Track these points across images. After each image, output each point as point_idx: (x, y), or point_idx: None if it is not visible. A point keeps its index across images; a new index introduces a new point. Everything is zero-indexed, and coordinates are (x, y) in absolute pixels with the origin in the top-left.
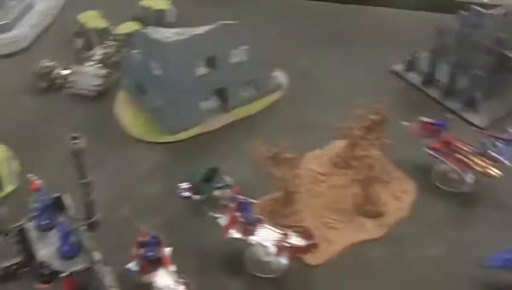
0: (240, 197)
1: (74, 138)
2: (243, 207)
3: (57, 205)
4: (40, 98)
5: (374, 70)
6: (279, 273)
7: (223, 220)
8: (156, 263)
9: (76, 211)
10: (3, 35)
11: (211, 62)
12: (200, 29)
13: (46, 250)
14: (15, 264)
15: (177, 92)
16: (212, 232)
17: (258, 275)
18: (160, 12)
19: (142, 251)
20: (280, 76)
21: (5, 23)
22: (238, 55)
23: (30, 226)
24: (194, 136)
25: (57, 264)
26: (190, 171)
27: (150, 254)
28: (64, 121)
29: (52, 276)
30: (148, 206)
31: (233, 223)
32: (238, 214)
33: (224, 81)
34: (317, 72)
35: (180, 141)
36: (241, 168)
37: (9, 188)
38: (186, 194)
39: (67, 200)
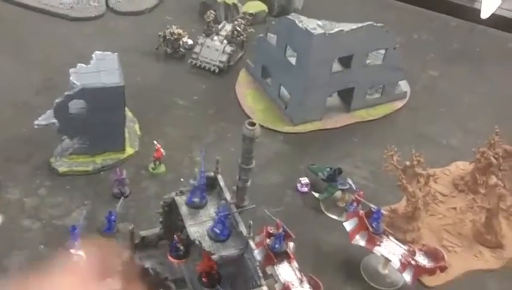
0: (372, 205)
1: (251, 124)
2: (373, 215)
3: (210, 184)
4: (163, 63)
5: (499, 95)
6: (395, 288)
7: (348, 224)
8: (281, 255)
9: (229, 195)
10: None
11: (347, 60)
12: (346, 26)
13: (196, 228)
14: (153, 234)
15: (309, 84)
16: (329, 232)
17: (374, 285)
18: None
19: (269, 241)
20: (405, 85)
21: None
22: (374, 57)
23: (181, 200)
24: (313, 131)
25: (207, 244)
26: (309, 166)
27: (276, 246)
28: (185, 90)
29: (186, 253)
30: (267, 194)
31: (360, 229)
32: (366, 221)
33: (354, 82)
34: (444, 88)
35: (299, 133)
36: (358, 173)
37: (130, 150)
38: (305, 189)
39: (221, 181)
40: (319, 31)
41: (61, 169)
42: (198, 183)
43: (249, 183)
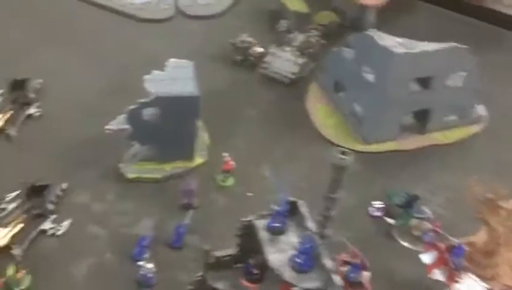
0: (453, 238)
1: (342, 153)
2: (454, 250)
3: (291, 210)
4: (232, 71)
5: None
6: None
7: (426, 257)
8: (355, 285)
9: (313, 224)
10: None
11: (426, 81)
12: (428, 46)
13: (277, 255)
14: (228, 255)
15: (385, 103)
16: (402, 261)
17: None
18: (362, 10)
19: (345, 270)
20: (481, 108)
21: None
22: (455, 79)
23: (261, 224)
24: (387, 152)
25: (288, 274)
26: (383, 190)
27: (352, 275)
28: (255, 101)
29: (261, 277)
30: (339, 217)
31: (439, 263)
32: (447, 256)
33: (432, 103)
34: None
35: (372, 152)
36: (433, 199)
37: (198, 160)
38: (378, 213)
39: (303, 207)
40: (400, 50)
41: (130, 175)
42: (281, 209)
43: (333, 212)
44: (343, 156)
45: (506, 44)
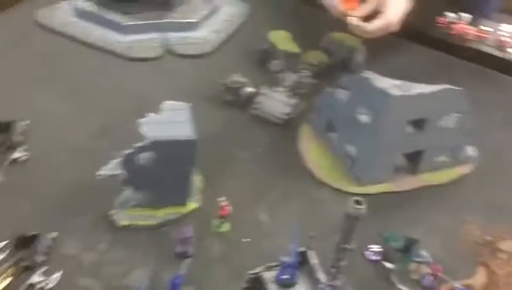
0: (455, 282)
1: (357, 203)
2: None
3: (301, 260)
4: (224, 111)
5: None
6: None
7: None
8: None
9: (323, 275)
10: (188, 34)
11: (420, 123)
12: (423, 88)
13: None
14: None
15: (379, 144)
16: None
17: None
18: (351, 50)
19: None
20: (471, 148)
21: (191, 22)
22: (448, 120)
23: (270, 276)
24: (380, 193)
25: None
26: (379, 232)
27: None
28: (247, 142)
29: None
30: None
31: None
32: None
33: (425, 144)
34: (511, 151)
35: (365, 194)
36: (429, 242)
37: (192, 205)
38: (375, 257)
39: (313, 257)
40: (396, 92)
41: (122, 222)
42: (291, 261)
43: (345, 263)
44: (358, 206)
45: (494, 84)
